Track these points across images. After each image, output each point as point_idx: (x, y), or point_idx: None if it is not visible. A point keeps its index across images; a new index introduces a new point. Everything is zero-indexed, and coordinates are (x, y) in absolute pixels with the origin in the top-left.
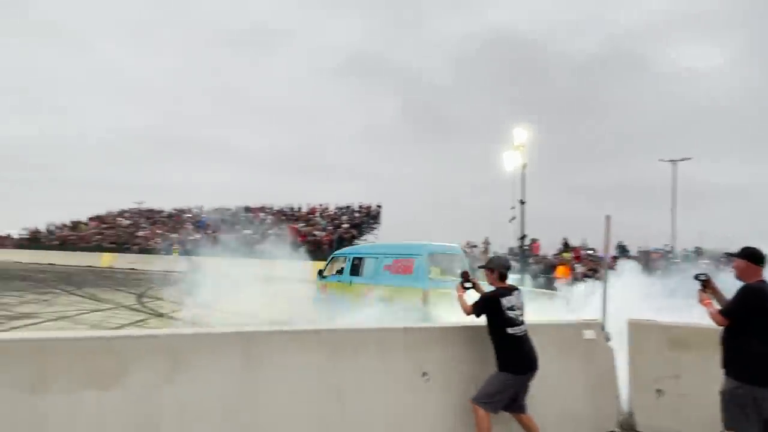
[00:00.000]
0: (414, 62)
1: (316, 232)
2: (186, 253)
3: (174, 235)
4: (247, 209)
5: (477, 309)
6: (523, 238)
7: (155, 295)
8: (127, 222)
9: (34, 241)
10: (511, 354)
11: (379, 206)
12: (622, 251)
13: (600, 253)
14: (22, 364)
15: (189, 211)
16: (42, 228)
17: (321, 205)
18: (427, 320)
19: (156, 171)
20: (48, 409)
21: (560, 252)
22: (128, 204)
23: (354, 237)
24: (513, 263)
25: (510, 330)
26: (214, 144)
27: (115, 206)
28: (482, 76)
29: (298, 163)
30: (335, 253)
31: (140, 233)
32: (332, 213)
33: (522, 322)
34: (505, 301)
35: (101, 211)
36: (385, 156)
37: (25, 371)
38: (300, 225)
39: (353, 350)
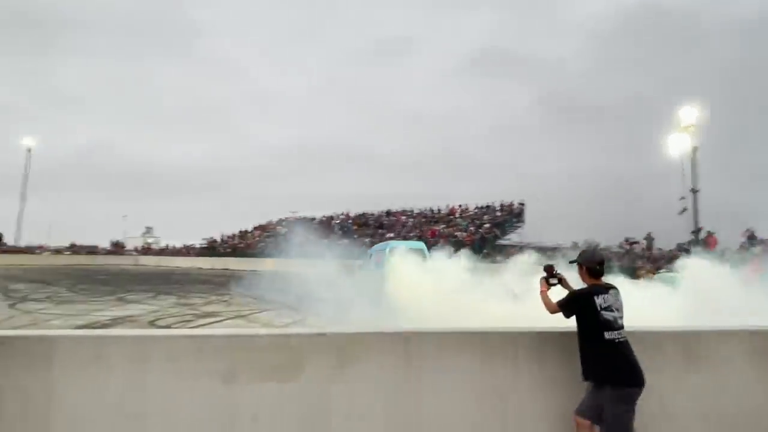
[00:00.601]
0: (549, 50)
1: (457, 233)
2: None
3: (324, 241)
4: (389, 213)
5: (565, 307)
6: (697, 231)
7: (313, 295)
8: (284, 230)
9: (211, 249)
10: (611, 364)
11: (521, 204)
12: None
13: None
14: (216, 357)
15: (336, 217)
16: (217, 237)
17: (461, 205)
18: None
19: (308, 181)
20: (237, 398)
21: (745, 246)
22: (285, 213)
23: (497, 237)
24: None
25: (608, 335)
26: (359, 152)
27: (274, 216)
28: (627, 55)
29: (438, 165)
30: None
31: (296, 239)
32: (473, 213)
33: (621, 326)
34: (600, 300)
35: (263, 220)
36: (526, 151)
37: (219, 364)
38: (441, 227)
39: (513, 353)
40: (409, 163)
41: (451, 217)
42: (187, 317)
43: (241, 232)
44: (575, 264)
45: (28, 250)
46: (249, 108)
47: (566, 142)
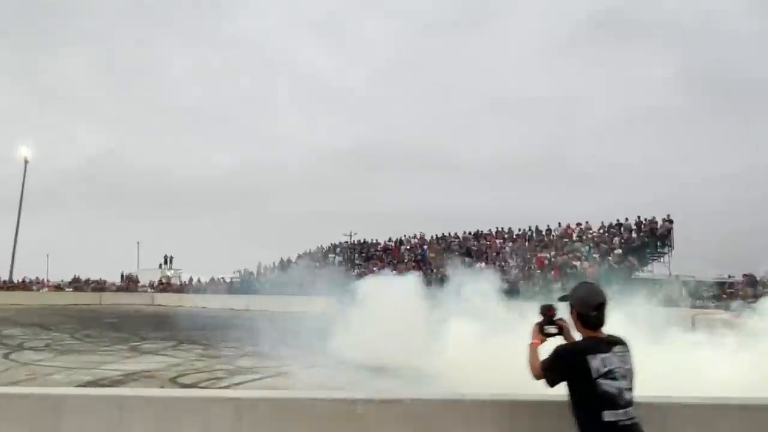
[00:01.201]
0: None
1: (575, 263)
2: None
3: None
4: (478, 236)
5: (548, 370)
6: None
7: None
8: (339, 259)
9: (245, 284)
10: None
11: (668, 220)
12: None
13: None
14: (260, 427)
15: (407, 242)
16: (253, 269)
17: (579, 224)
18: None
19: (367, 195)
20: None
21: None
22: (338, 236)
23: (633, 267)
24: None
25: (609, 415)
26: (433, 156)
27: (323, 239)
28: None
29: (544, 170)
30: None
31: (354, 271)
32: (597, 235)
33: (629, 402)
34: (597, 363)
35: (310, 246)
36: (671, 148)
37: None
38: (551, 254)
39: None
40: (502, 169)
41: (566, 240)
42: (218, 373)
43: (282, 261)
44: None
45: (25, 287)
46: (290, 104)
47: (731, 135)
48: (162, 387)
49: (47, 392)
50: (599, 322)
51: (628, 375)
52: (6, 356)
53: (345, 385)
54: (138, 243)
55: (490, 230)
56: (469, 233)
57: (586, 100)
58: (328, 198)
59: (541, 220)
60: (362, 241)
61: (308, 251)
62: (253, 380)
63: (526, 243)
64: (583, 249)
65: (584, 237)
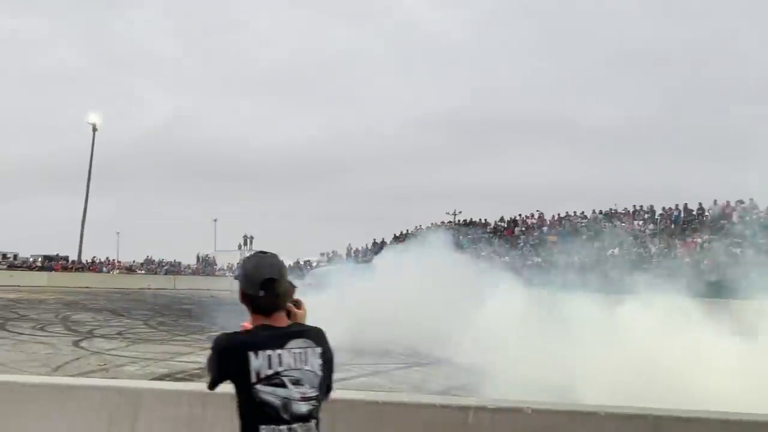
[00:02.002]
0: None
1: (736, 250)
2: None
3: (504, 259)
4: (609, 215)
5: (207, 366)
6: None
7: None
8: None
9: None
10: None
11: None
12: None
13: None
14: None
15: (522, 222)
16: (341, 251)
17: (741, 202)
18: None
19: (470, 167)
20: None
21: None
22: (440, 216)
23: None
24: None
25: (266, 431)
26: (549, 121)
27: (422, 219)
28: None
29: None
30: None
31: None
32: (765, 215)
33: (303, 417)
34: (259, 362)
35: (407, 226)
36: None
37: None
38: (703, 238)
39: None
40: (634, 136)
41: (724, 222)
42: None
43: (375, 244)
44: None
45: (94, 268)
46: (384, 64)
47: None
48: None
49: (124, 385)
50: (272, 305)
51: (307, 380)
52: (76, 344)
53: (447, 389)
54: (215, 221)
55: (626, 209)
56: (600, 212)
57: (742, 44)
58: (427, 171)
59: (689, 197)
60: (468, 221)
61: (405, 232)
62: (345, 379)
63: (671, 225)
64: (747, 232)
65: (747, 218)
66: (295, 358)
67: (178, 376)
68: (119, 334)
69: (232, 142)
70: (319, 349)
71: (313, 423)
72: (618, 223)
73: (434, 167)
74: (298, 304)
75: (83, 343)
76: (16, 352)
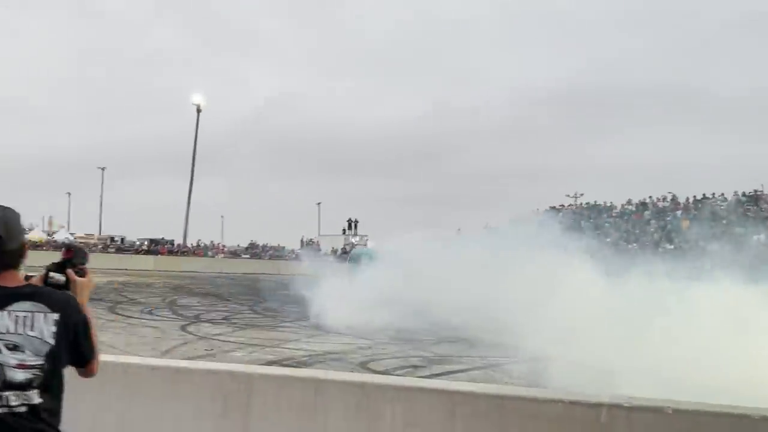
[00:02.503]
0: None
1: None
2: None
3: (632, 246)
4: (755, 198)
5: None
6: None
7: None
8: (561, 225)
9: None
10: None
11: None
12: None
13: None
14: (478, 424)
15: (652, 205)
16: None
17: None
18: None
19: (591, 145)
20: None
21: None
22: (559, 198)
23: None
24: None
25: None
26: (666, 95)
27: (539, 202)
28: None
29: None
30: None
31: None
32: None
33: (18, 385)
34: None
35: (521, 209)
36: None
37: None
38: None
39: None
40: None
41: None
42: (413, 360)
43: (488, 228)
44: None
45: (199, 252)
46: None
47: None
48: (352, 371)
49: (237, 369)
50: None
51: (30, 347)
52: (183, 328)
53: (570, 386)
54: (318, 204)
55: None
56: (743, 194)
57: None
58: (543, 150)
59: None
60: (592, 203)
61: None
62: (456, 372)
63: None
64: None
65: None
66: (16, 322)
67: (286, 363)
68: (225, 319)
69: (336, 123)
70: (54, 315)
71: (34, 392)
72: (765, 206)
73: (550, 146)
74: (82, 272)
75: (190, 328)
76: (127, 335)
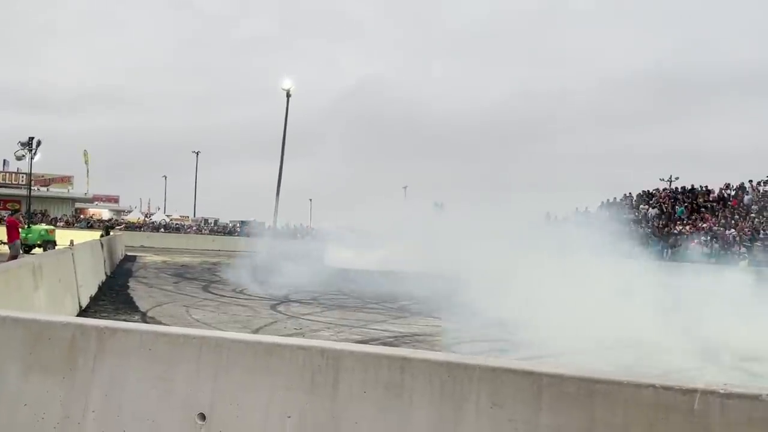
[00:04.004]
0: None
1: None
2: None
3: (730, 232)
4: None
5: None
6: None
7: None
8: (654, 211)
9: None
10: None
11: None
12: None
13: None
14: (566, 410)
15: (754, 189)
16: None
17: None
18: None
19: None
20: None
21: None
22: (653, 182)
23: None
24: None
25: None
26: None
27: (632, 185)
28: None
29: None
30: None
31: (676, 228)
32: None
33: None
34: None
35: (614, 194)
36: None
37: (574, 421)
38: None
39: None
40: None
41: None
42: (499, 344)
43: (578, 213)
44: None
45: (290, 235)
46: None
47: None
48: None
49: (326, 346)
50: None
51: None
52: (273, 308)
53: (665, 373)
54: (405, 188)
55: None
56: None
57: None
58: (634, 133)
59: None
60: (687, 188)
61: (612, 200)
62: (543, 357)
63: None
64: None
65: None
66: None
67: (372, 344)
68: (314, 299)
69: (424, 107)
70: None
71: None
72: None
73: (643, 128)
74: None
75: (280, 308)
76: (219, 313)
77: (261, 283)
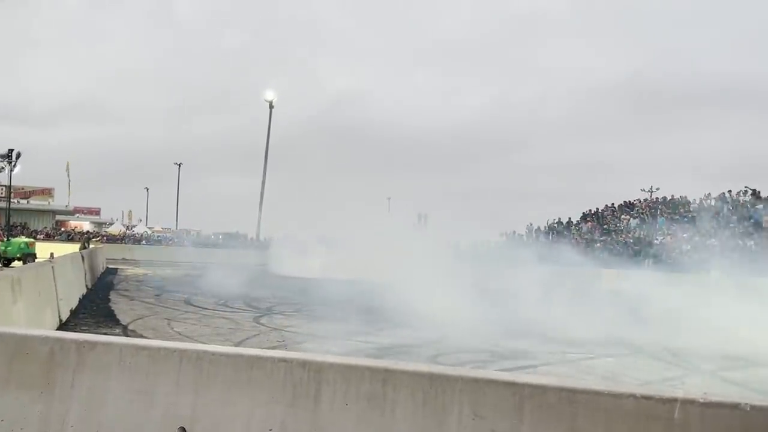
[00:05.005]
0: None
1: None
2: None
3: (711, 242)
4: None
5: None
6: None
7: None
8: (635, 221)
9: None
10: None
11: None
12: None
13: None
14: (547, 418)
15: (729, 200)
16: (522, 231)
17: None
18: None
19: (663, 139)
20: None
21: None
22: (634, 193)
23: None
24: None
25: None
26: (734, 89)
27: (611, 196)
28: None
29: None
30: None
31: (657, 238)
32: None
33: None
34: None
35: (595, 204)
36: None
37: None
38: None
39: None
40: None
41: None
42: (482, 355)
43: (560, 223)
44: None
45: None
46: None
47: None
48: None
49: (308, 358)
50: None
51: None
52: (256, 320)
53: (646, 383)
54: (389, 199)
55: None
56: None
57: None
58: (609, 144)
59: None
60: (667, 198)
61: (594, 211)
62: (528, 367)
63: None
64: None
65: None
66: None
67: (356, 355)
68: (297, 311)
69: (405, 117)
70: None
71: None
72: None
73: (623, 139)
74: None
75: (263, 320)
76: (201, 326)
77: (244, 296)
